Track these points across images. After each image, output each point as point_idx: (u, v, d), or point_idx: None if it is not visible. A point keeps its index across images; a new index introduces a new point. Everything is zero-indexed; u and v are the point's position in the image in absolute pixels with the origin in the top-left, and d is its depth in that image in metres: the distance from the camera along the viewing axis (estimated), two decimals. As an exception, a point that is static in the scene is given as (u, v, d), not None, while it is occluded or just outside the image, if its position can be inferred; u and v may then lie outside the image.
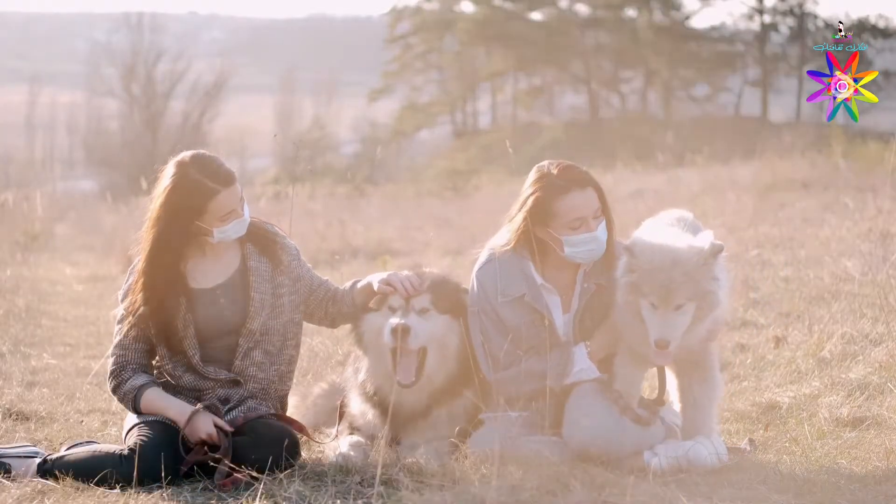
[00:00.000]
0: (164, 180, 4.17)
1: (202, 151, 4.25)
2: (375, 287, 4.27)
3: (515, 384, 4.14)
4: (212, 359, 4.26)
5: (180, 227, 4.14)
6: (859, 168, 14.29)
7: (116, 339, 4.25)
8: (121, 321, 4.25)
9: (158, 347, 4.24)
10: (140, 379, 4.18)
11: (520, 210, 4.22)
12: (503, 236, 4.29)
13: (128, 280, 4.29)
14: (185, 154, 4.21)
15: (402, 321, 4.11)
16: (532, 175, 4.25)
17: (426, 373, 4.19)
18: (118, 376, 4.21)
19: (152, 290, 4.15)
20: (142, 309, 4.15)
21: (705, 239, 3.92)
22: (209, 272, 4.29)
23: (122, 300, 4.28)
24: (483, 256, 4.31)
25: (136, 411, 4.18)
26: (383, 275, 4.30)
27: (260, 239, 4.36)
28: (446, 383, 4.22)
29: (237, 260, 4.33)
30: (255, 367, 4.28)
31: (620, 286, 3.98)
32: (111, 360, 4.24)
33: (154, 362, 4.29)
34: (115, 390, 4.23)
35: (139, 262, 4.21)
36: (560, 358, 4.14)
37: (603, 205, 4.20)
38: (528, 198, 4.19)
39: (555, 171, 4.18)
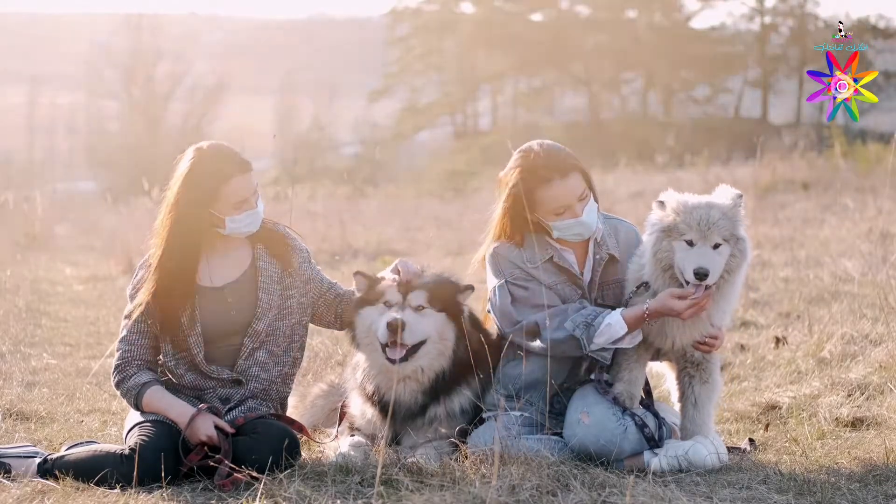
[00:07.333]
0: (182, 165, 4.19)
1: (221, 142, 4.30)
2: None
3: (535, 335, 4.07)
4: (216, 358, 4.26)
5: (197, 212, 4.14)
6: (859, 168, 14.29)
7: (123, 334, 4.25)
8: (128, 316, 4.25)
9: (163, 344, 4.24)
10: (144, 376, 4.18)
11: (502, 203, 4.21)
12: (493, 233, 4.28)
13: (137, 275, 4.29)
14: (204, 143, 4.26)
15: (398, 316, 4.10)
16: (514, 160, 4.21)
17: (419, 364, 4.16)
18: (123, 371, 4.21)
19: (164, 281, 4.15)
20: (150, 301, 4.14)
21: (724, 189, 4.03)
22: (219, 271, 4.29)
23: (131, 295, 4.27)
24: (490, 248, 4.28)
25: (138, 408, 4.18)
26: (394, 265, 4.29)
27: (271, 241, 4.36)
28: (440, 380, 4.20)
29: (247, 260, 4.34)
30: (258, 367, 4.28)
31: (650, 239, 4.00)
32: (116, 355, 4.24)
33: (157, 359, 4.28)
34: (118, 385, 4.22)
35: (155, 251, 4.19)
36: (588, 313, 4.06)
37: (588, 185, 4.20)
38: (510, 190, 4.16)
39: (536, 159, 4.14)
